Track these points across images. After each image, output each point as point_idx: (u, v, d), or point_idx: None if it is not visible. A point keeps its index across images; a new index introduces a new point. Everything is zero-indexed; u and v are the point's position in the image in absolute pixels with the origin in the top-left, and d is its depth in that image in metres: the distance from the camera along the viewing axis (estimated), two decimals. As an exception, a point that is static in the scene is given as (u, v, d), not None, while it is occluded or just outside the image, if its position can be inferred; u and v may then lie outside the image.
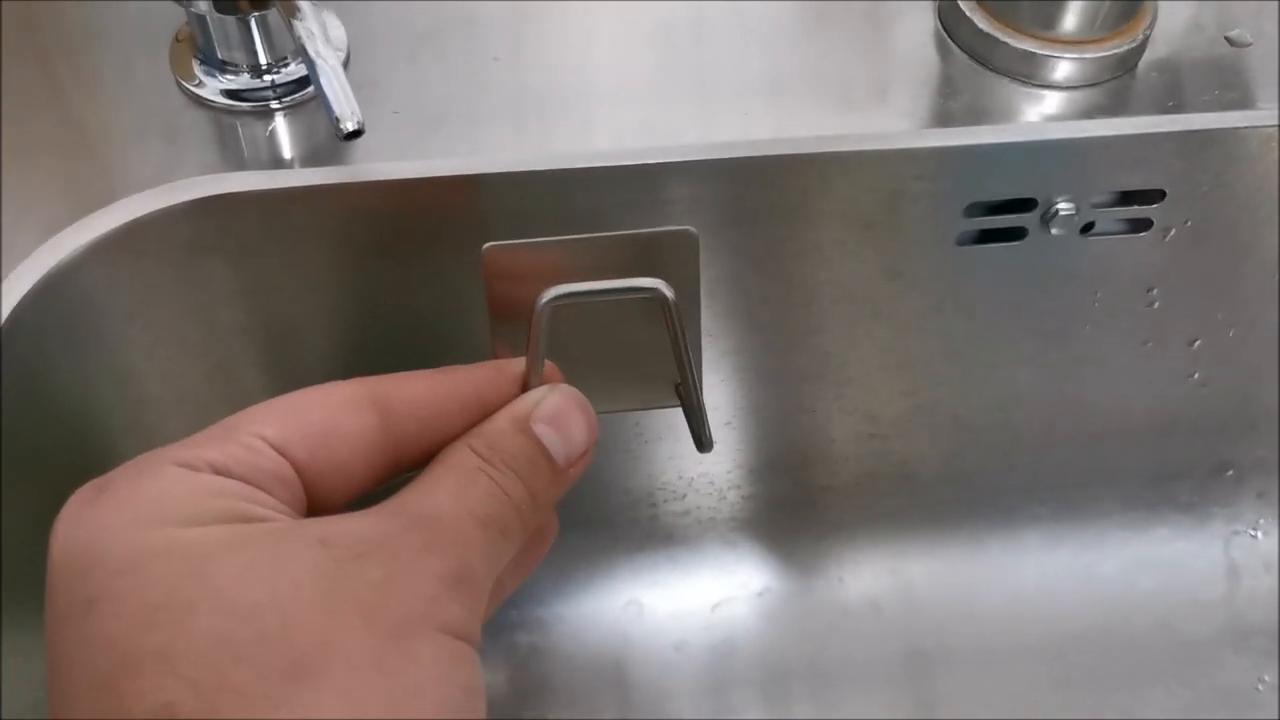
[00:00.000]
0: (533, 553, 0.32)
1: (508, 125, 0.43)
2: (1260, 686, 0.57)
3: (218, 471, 0.24)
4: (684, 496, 0.57)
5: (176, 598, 0.21)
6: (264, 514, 0.23)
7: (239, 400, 0.47)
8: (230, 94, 0.42)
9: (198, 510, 0.23)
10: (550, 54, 0.46)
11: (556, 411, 0.28)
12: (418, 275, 0.44)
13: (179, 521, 0.22)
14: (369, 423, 0.26)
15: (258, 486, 0.24)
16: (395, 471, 0.27)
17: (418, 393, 0.28)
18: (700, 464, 0.56)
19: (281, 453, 0.25)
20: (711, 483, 0.57)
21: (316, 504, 0.26)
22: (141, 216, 0.40)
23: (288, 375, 0.46)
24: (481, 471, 0.26)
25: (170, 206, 0.40)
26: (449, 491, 0.25)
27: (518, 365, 0.29)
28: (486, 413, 0.28)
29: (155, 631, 0.21)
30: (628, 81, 0.45)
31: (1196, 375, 0.55)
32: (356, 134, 0.33)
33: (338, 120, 0.33)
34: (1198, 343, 0.53)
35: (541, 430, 0.27)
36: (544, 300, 0.28)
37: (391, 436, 0.27)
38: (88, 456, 0.43)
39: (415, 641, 0.22)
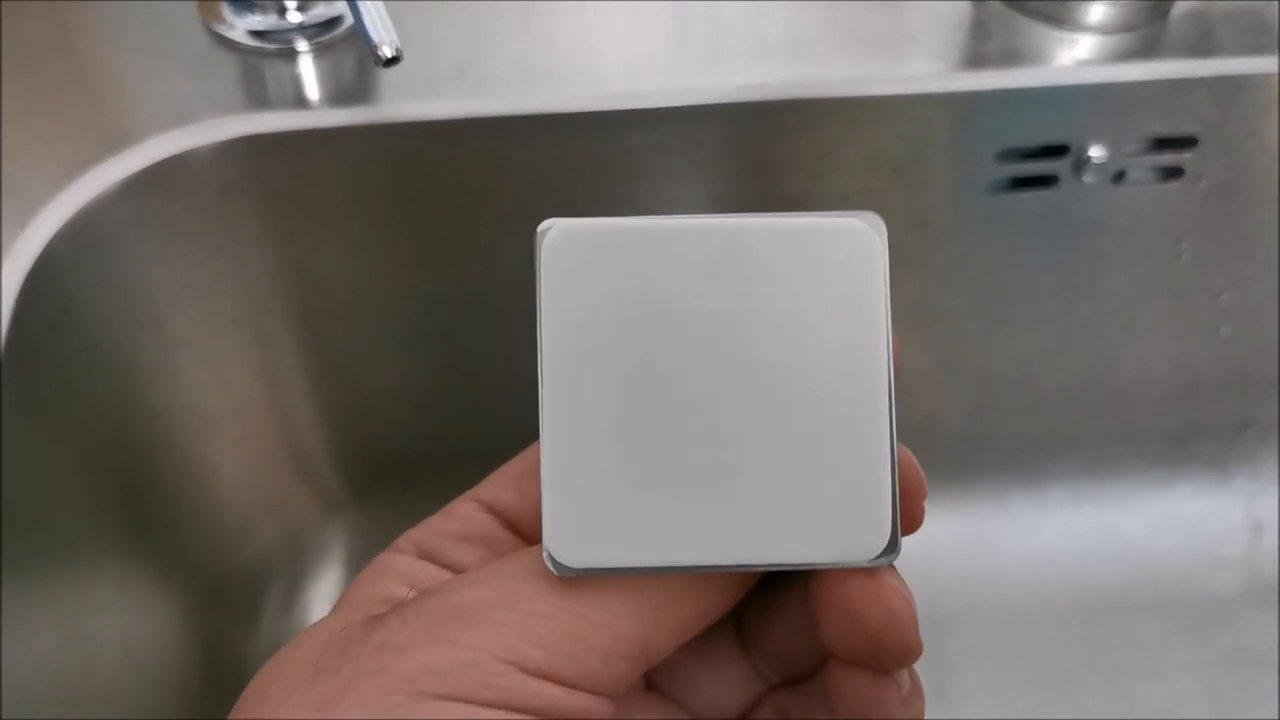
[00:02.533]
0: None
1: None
2: (1283, 644, 0.57)
3: (417, 548, 0.23)
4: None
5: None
6: (404, 593, 0.22)
7: (265, 345, 0.47)
8: (257, 34, 0.42)
9: (361, 595, 0.22)
10: (558, 23, 0.46)
11: None
12: (444, 220, 0.44)
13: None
14: None
15: (437, 558, 0.23)
16: None
17: None
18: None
19: (490, 506, 0.23)
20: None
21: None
22: (169, 157, 0.39)
23: (314, 320, 0.46)
24: None
25: (198, 147, 0.40)
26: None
27: None
28: None
29: None
30: (641, 49, 0.45)
31: (1223, 330, 0.54)
32: (394, 60, 0.33)
33: (376, 46, 0.32)
34: (1225, 296, 0.53)
35: None
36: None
37: None
38: (115, 403, 0.42)
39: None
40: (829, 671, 0.21)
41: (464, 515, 0.23)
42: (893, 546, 0.19)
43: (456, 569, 0.22)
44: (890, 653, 0.19)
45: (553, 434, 0.19)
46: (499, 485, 0.23)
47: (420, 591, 0.21)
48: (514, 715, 0.18)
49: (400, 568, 0.22)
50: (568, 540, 0.18)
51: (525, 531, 0.23)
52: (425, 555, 0.22)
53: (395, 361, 0.48)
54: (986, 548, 0.59)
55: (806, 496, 0.19)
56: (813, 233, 0.19)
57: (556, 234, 0.19)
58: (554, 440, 0.19)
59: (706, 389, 0.19)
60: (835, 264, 0.19)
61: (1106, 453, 0.59)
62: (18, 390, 0.35)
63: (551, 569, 0.18)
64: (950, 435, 0.57)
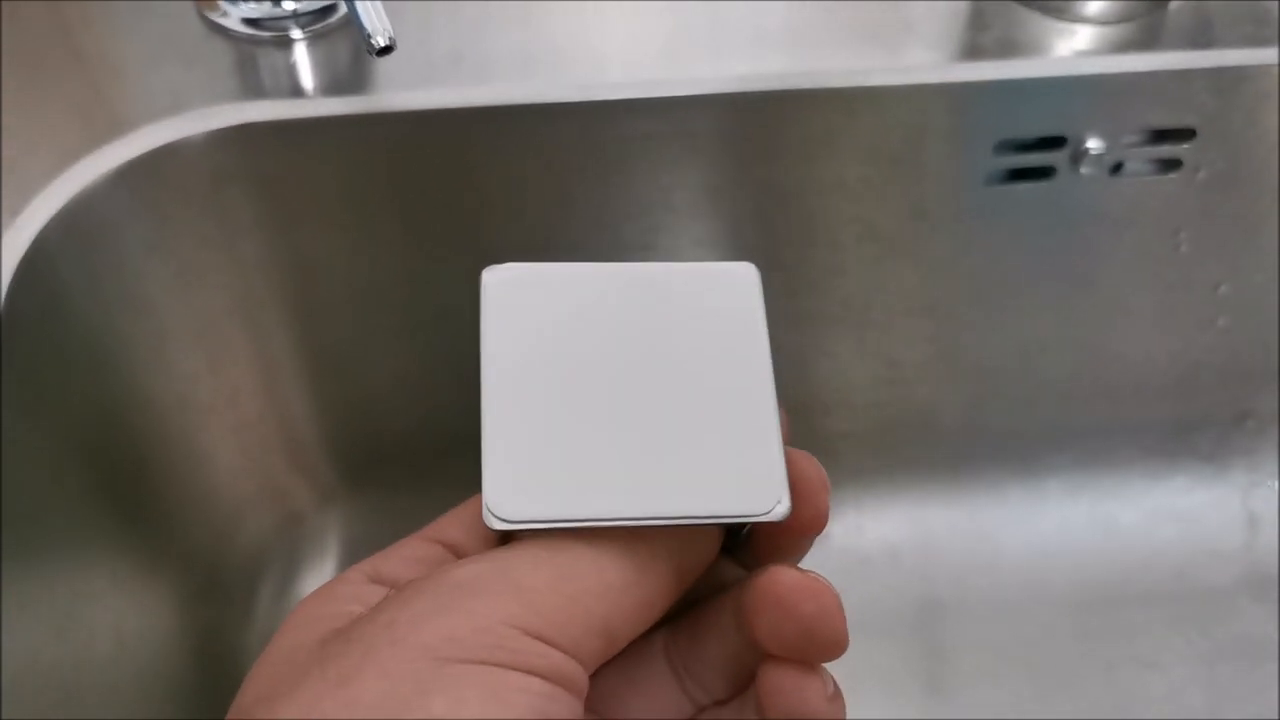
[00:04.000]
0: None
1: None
2: (1278, 636, 0.57)
3: (367, 576, 0.23)
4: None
5: None
6: (358, 610, 0.22)
7: (259, 334, 0.47)
8: (251, 23, 0.42)
9: (315, 612, 0.22)
10: (556, 13, 0.46)
11: None
12: (439, 209, 0.44)
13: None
14: None
15: (387, 580, 0.23)
16: None
17: None
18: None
19: (438, 540, 0.24)
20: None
21: None
22: (162, 145, 0.39)
23: (307, 309, 0.46)
24: None
25: (192, 135, 0.40)
26: None
27: None
28: None
29: None
30: (640, 38, 0.45)
31: (1220, 322, 0.54)
32: (388, 50, 0.33)
33: (369, 35, 0.32)
34: (1223, 288, 0.53)
35: None
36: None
37: None
38: (108, 392, 0.42)
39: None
40: (761, 674, 0.22)
41: (413, 546, 0.24)
42: (783, 503, 0.22)
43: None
44: (820, 643, 0.21)
45: (492, 422, 0.22)
46: (445, 525, 0.24)
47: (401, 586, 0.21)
48: (526, 676, 0.19)
49: (350, 591, 0.23)
50: (504, 498, 0.21)
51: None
52: (375, 580, 0.23)
53: (389, 351, 0.48)
54: (983, 538, 0.59)
55: (709, 467, 0.22)
56: (703, 272, 0.24)
57: (496, 276, 0.23)
58: (493, 427, 0.22)
59: (621, 388, 0.23)
60: (721, 296, 0.24)
61: (1104, 444, 0.59)
62: (10, 378, 0.35)
63: (489, 524, 0.21)
64: (947, 426, 0.57)
